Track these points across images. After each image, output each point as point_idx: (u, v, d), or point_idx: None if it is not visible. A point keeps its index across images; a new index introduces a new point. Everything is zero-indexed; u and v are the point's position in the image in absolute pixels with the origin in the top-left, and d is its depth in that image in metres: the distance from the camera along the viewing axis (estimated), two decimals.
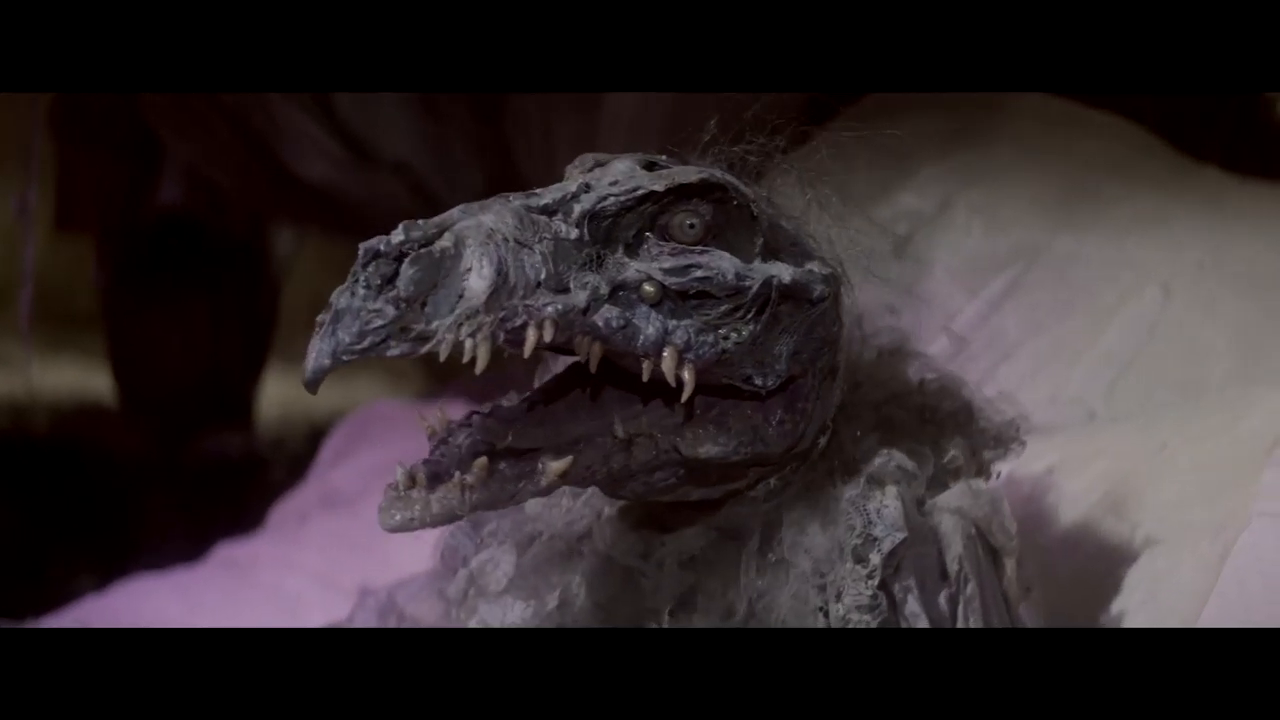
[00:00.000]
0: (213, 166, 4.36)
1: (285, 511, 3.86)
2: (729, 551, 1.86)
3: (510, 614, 1.94)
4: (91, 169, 4.45)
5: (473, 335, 1.62)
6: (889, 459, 1.90)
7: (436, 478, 1.68)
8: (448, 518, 1.68)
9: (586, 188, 1.74)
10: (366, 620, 2.38)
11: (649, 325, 1.72)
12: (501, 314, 1.63)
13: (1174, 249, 2.83)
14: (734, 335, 1.76)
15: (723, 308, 1.76)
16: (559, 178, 1.82)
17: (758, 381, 1.78)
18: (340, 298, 1.62)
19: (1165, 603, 2.08)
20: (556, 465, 1.71)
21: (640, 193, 1.74)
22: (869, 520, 1.87)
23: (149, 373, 4.92)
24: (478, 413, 1.74)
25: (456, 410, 3.52)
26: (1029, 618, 1.96)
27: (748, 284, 1.77)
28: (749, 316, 1.77)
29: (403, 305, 1.61)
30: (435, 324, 1.62)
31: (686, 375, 1.73)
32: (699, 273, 1.75)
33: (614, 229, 1.74)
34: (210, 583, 3.52)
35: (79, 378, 5.22)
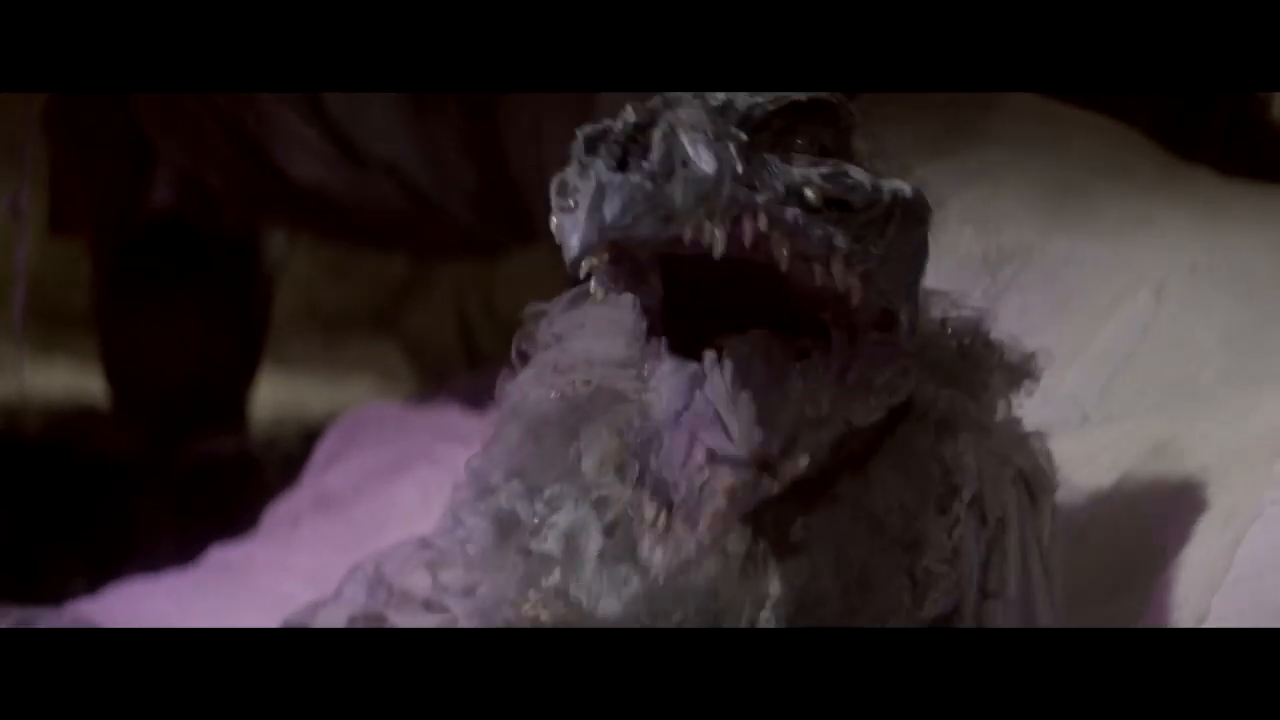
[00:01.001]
0: (205, 169, 4.36)
1: (279, 514, 3.86)
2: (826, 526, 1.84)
3: (607, 596, 1.89)
4: (85, 172, 4.44)
5: (710, 219, 1.61)
6: (951, 401, 1.90)
7: None
8: None
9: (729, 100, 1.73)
10: (355, 594, 2.36)
11: (819, 229, 1.70)
12: (726, 200, 1.62)
13: (1166, 250, 2.82)
14: (874, 249, 1.74)
15: (861, 219, 1.74)
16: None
17: (896, 306, 1.79)
18: (599, 174, 1.60)
19: (1175, 595, 2.08)
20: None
21: (786, 101, 1.74)
22: (947, 468, 1.87)
23: (142, 374, 4.91)
24: None
25: (449, 415, 3.51)
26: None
27: (883, 194, 1.76)
28: (881, 231, 1.76)
29: (658, 180, 1.59)
30: (680, 204, 1.60)
31: (855, 282, 1.72)
32: (849, 180, 1.74)
33: (758, 138, 1.71)
34: (204, 586, 3.53)
35: (72, 379, 5.21)
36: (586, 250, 1.62)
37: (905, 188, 1.79)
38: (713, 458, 1.69)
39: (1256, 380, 2.57)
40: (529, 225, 3.89)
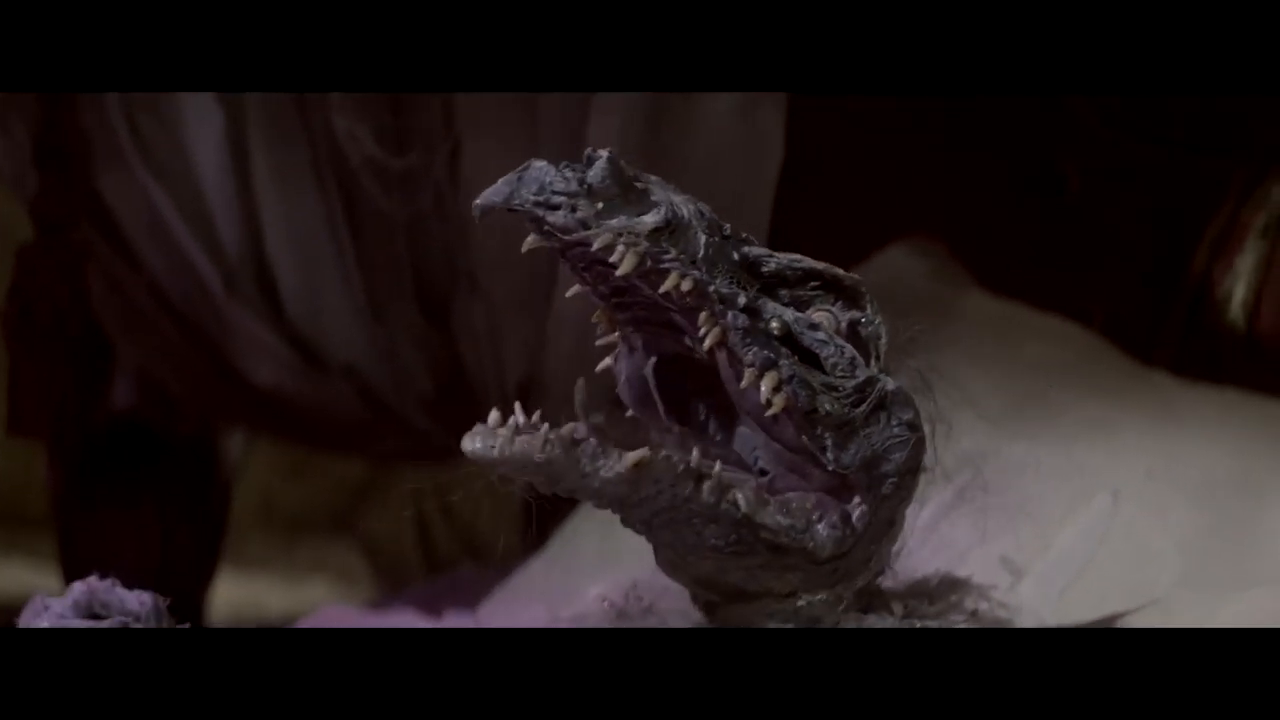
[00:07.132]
0: (164, 371, 4.35)
1: None
2: None
3: None
4: (43, 373, 4.43)
5: (627, 245, 1.74)
6: None
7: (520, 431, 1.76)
8: (523, 460, 1.76)
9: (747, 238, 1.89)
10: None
11: (767, 348, 1.83)
12: (658, 250, 1.76)
13: (1123, 456, 2.83)
14: (827, 405, 1.86)
15: (826, 380, 1.87)
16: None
17: (830, 455, 1.88)
18: (535, 164, 1.74)
19: None
20: (633, 455, 1.77)
21: (802, 265, 1.90)
22: None
23: (101, 575, 4.86)
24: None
25: (404, 618, 3.46)
26: None
27: (859, 373, 1.91)
28: (848, 401, 1.89)
29: (584, 187, 1.72)
30: (602, 221, 1.73)
31: (777, 401, 1.83)
32: (821, 336, 1.89)
33: (767, 285, 1.88)
34: None
35: (30, 580, 5.18)
36: (487, 205, 1.74)
37: (889, 383, 1.95)
38: None
39: (1214, 586, 2.57)
40: None
